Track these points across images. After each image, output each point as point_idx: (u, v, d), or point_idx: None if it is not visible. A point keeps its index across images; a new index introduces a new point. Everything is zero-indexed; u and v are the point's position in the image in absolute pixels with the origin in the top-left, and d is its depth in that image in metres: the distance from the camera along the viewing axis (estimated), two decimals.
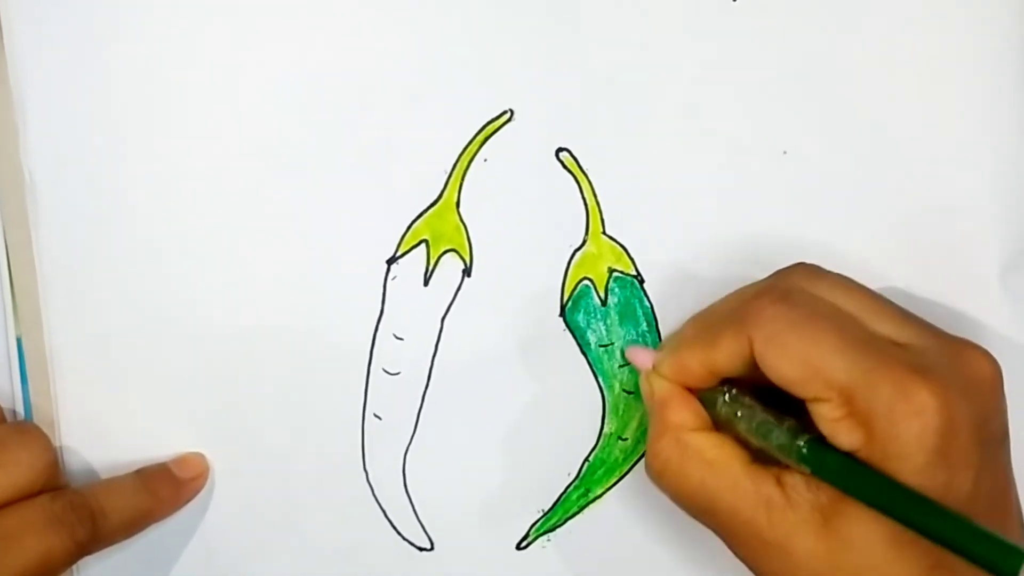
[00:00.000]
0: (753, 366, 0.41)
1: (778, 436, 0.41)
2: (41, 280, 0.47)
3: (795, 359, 0.40)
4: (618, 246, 0.48)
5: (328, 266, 0.48)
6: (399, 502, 0.49)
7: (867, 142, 0.48)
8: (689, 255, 0.48)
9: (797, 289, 0.42)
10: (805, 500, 0.40)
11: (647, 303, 0.49)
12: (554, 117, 0.48)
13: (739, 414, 0.42)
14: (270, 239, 0.47)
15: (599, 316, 0.49)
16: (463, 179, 0.48)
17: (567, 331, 0.49)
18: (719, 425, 0.43)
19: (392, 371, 0.48)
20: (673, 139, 0.48)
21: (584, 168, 0.48)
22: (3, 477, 0.43)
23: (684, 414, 0.43)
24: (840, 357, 0.39)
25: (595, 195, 0.48)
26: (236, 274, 0.47)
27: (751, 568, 0.42)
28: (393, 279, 0.48)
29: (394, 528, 0.49)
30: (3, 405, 0.47)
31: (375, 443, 0.49)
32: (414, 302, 0.48)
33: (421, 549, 0.49)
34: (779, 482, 0.41)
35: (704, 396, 0.44)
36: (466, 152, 0.48)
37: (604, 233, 0.48)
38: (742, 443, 0.42)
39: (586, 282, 0.48)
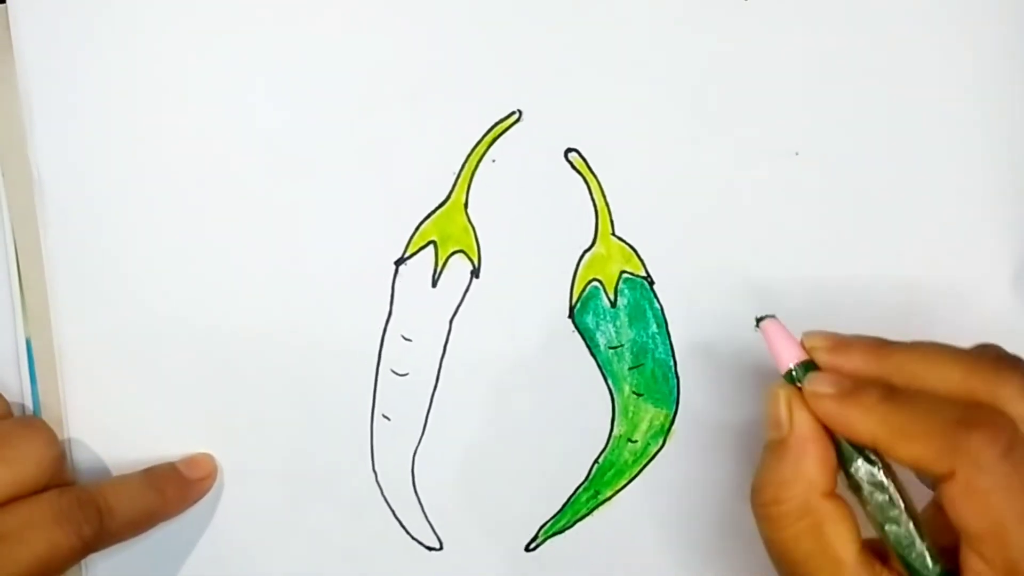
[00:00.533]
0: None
1: (910, 543, 0.38)
2: (49, 280, 0.47)
3: (988, 519, 0.36)
4: (628, 247, 0.48)
5: (337, 267, 0.48)
6: (408, 502, 0.49)
7: (880, 143, 0.48)
8: (699, 256, 0.48)
9: (1021, 440, 0.38)
10: None
11: (657, 304, 0.48)
12: (563, 117, 0.47)
13: (874, 496, 0.39)
14: (279, 239, 0.47)
15: (608, 318, 0.48)
16: (471, 180, 0.47)
17: (576, 332, 0.48)
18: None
19: (400, 372, 0.48)
20: (684, 140, 0.48)
21: (593, 169, 0.48)
22: (9, 472, 0.43)
23: (822, 470, 0.39)
24: None
25: (604, 196, 0.48)
26: (244, 274, 0.47)
27: None
28: (401, 280, 0.48)
29: (403, 528, 0.49)
30: (12, 404, 0.47)
31: (384, 443, 0.49)
32: (422, 303, 0.48)
33: (430, 549, 0.49)
34: None
35: (839, 443, 0.39)
36: (474, 153, 0.47)
37: (613, 234, 0.48)
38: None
39: (595, 283, 0.48)
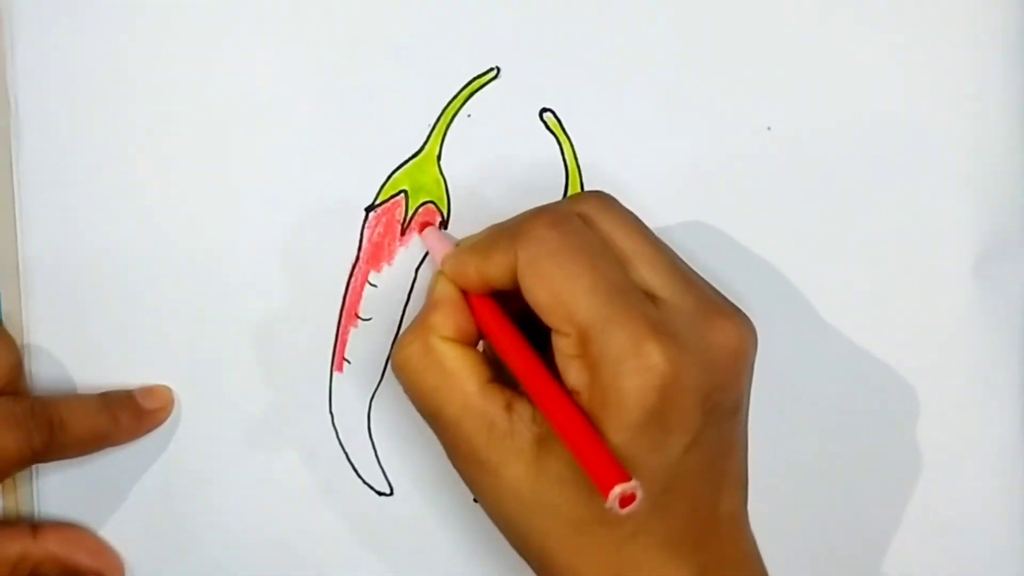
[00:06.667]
0: None
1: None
2: (18, 198, 0.47)
3: (547, 287, 0.40)
4: None
5: (307, 210, 0.48)
6: (362, 446, 0.50)
7: (850, 127, 0.49)
8: (666, 222, 0.49)
9: (576, 218, 0.42)
10: (528, 431, 0.41)
11: None
12: (540, 78, 0.48)
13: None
14: (251, 179, 0.48)
15: None
16: (446, 133, 0.48)
17: None
18: None
19: (364, 317, 0.49)
20: (658, 109, 0.48)
21: (567, 130, 0.48)
22: None
23: (445, 319, 0.43)
24: (587, 297, 0.40)
25: (576, 158, 0.48)
26: (214, 210, 0.48)
27: (463, 479, 0.43)
28: (370, 227, 0.48)
29: (355, 471, 0.50)
30: None
31: (342, 386, 0.49)
32: (390, 251, 0.49)
33: (380, 494, 0.50)
34: (509, 407, 0.41)
35: None
36: (451, 106, 0.48)
37: None
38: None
39: None
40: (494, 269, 0.42)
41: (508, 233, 0.42)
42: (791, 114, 0.48)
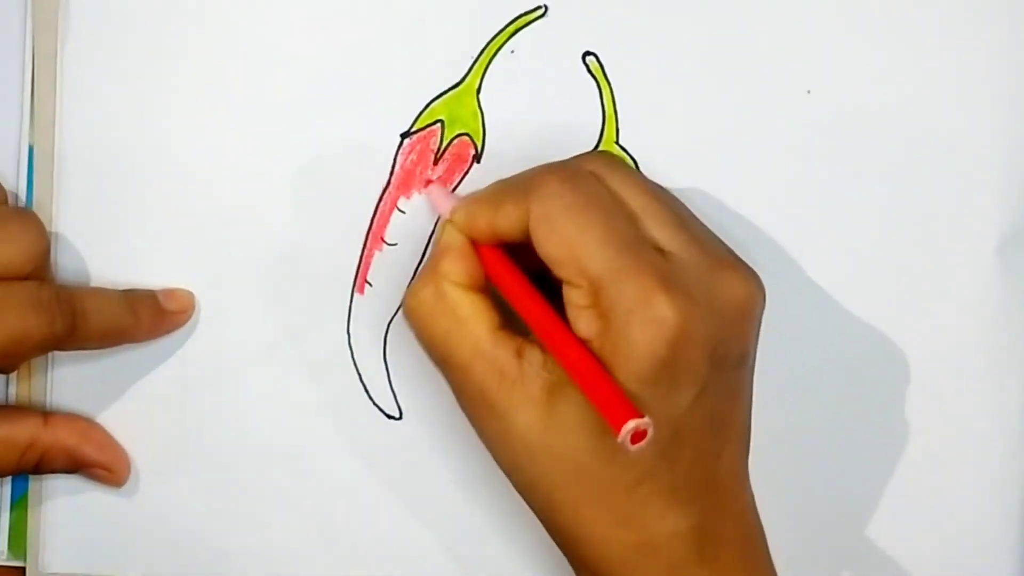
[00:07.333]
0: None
1: None
2: (60, 92, 0.47)
3: (560, 239, 0.41)
4: (629, 157, 0.49)
5: (343, 130, 0.48)
6: (375, 369, 0.50)
7: (886, 97, 0.49)
8: (696, 178, 0.49)
9: (587, 174, 0.43)
10: (538, 376, 0.42)
11: None
12: (586, 21, 0.48)
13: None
14: (292, 96, 0.48)
15: None
16: (487, 67, 0.48)
17: None
18: None
19: (390, 242, 0.49)
20: (700, 65, 0.49)
21: (608, 76, 0.48)
22: None
23: (455, 266, 0.44)
24: (600, 250, 0.41)
25: (614, 104, 0.49)
26: (251, 121, 0.48)
27: (472, 425, 0.44)
28: (404, 153, 0.49)
29: (367, 393, 0.50)
30: None
31: (362, 308, 0.50)
32: (421, 179, 0.49)
33: (390, 417, 0.50)
34: (519, 354, 0.42)
35: None
36: (495, 41, 0.48)
37: (617, 142, 0.49)
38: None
39: None
40: (504, 220, 0.43)
41: (520, 187, 0.43)
42: (832, 79, 0.49)
